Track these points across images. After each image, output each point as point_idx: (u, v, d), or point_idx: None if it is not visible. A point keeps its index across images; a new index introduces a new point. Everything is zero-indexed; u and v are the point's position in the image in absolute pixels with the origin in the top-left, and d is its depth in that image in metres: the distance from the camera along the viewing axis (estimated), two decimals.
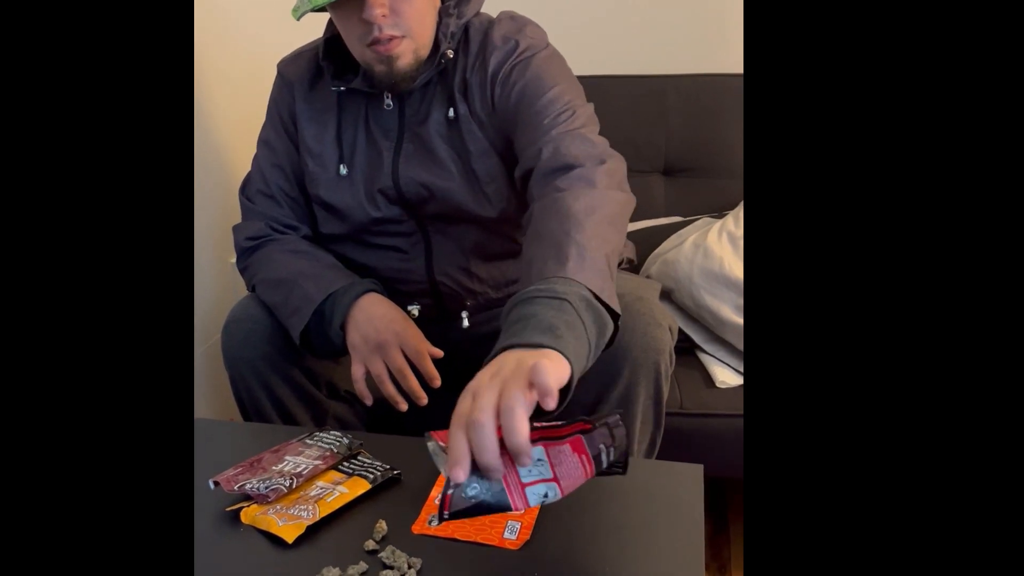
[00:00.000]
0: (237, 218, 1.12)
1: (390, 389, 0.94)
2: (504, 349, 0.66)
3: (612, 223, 0.82)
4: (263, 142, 1.10)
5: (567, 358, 0.64)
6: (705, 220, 1.45)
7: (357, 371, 0.95)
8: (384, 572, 0.66)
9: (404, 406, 0.94)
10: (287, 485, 0.76)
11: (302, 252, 1.04)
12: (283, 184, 1.08)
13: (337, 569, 0.66)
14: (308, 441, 0.85)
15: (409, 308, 1.08)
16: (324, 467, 0.80)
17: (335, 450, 0.83)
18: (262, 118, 1.12)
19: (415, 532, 0.72)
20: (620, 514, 0.73)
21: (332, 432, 0.87)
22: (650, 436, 0.97)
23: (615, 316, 0.73)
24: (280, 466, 0.79)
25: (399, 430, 0.95)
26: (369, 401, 0.96)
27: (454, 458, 0.59)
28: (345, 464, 0.81)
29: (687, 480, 0.79)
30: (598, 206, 0.81)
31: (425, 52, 0.98)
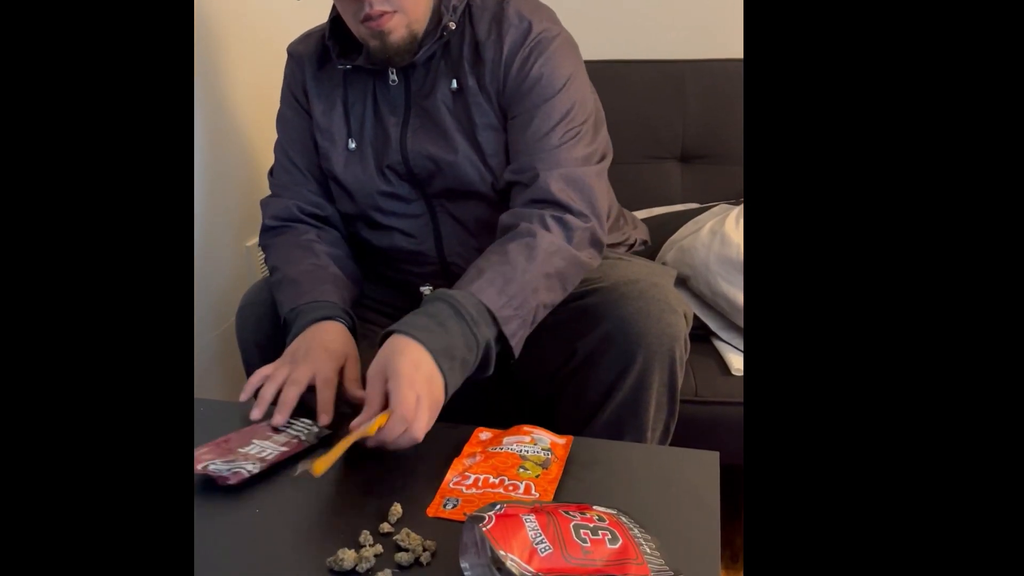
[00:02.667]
0: (257, 202, 1.12)
1: (268, 391, 0.87)
2: (409, 335, 0.79)
3: (561, 280, 0.90)
4: (281, 124, 1.11)
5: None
6: (722, 207, 1.43)
7: (263, 368, 0.90)
8: (399, 555, 0.66)
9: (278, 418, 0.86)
10: (249, 470, 0.76)
11: (303, 249, 1.04)
12: (306, 159, 1.09)
13: (352, 551, 0.66)
14: (279, 427, 0.85)
15: (422, 289, 1.08)
16: (289, 453, 0.80)
17: (303, 438, 0.83)
18: None
19: (430, 515, 0.72)
20: (637, 500, 0.73)
21: (303, 420, 0.87)
22: (664, 423, 0.97)
23: (508, 355, 0.87)
24: (247, 449, 0.80)
25: None
26: (244, 397, 0.89)
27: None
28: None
29: (704, 467, 0.78)
30: (560, 261, 0.90)
31: (419, 27, 0.98)
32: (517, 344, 0.86)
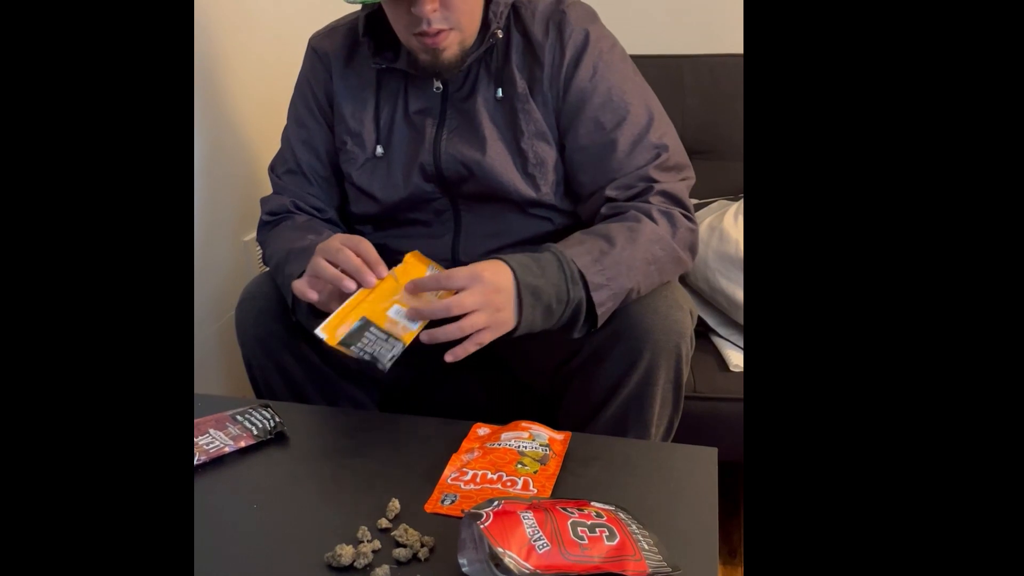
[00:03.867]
0: (256, 196, 1.11)
1: (331, 271, 0.84)
2: (509, 265, 0.82)
3: (659, 269, 0.91)
4: (293, 120, 1.09)
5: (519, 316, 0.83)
6: (720, 203, 1.44)
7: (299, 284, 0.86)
8: (397, 550, 0.66)
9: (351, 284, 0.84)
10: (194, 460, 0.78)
11: (304, 227, 1.02)
12: (313, 163, 1.07)
13: (350, 547, 0.66)
14: (238, 417, 0.86)
15: None
16: (234, 448, 0.82)
17: (255, 432, 0.84)
18: (287, 95, 1.11)
19: (428, 511, 0.72)
20: (635, 496, 0.73)
21: (264, 412, 0.87)
22: (668, 419, 0.97)
23: (591, 321, 0.87)
24: (198, 439, 0.81)
25: (411, 410, 0.94)
26: (313, 296, 0.86)
27: (429, 311, 0.80)
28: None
29: (702, 463, 0.78)
30: (659, 250, 0.91)
31: (471, 41, 0.97)
32: (603, 314, 0.87)
